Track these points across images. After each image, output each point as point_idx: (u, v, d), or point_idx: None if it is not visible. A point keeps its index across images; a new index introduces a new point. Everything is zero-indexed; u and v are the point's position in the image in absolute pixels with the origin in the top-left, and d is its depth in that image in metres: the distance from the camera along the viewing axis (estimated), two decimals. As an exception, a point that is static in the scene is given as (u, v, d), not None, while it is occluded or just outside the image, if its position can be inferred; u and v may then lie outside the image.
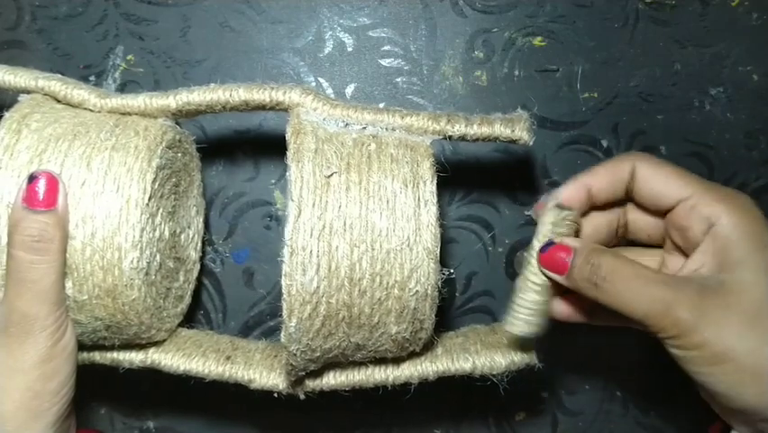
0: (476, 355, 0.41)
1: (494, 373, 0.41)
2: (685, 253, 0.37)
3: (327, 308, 0.34)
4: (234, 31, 0.51)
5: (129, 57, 0.51)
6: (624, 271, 0.33)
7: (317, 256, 0.34)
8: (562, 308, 0.39)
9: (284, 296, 0.34)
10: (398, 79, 0.51)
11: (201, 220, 0.47)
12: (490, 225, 0.52)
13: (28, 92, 0.39)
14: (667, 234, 0.38)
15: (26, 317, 0.34)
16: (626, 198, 0.38)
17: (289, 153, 0.35)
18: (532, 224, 0.39)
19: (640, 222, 0.39)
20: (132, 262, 0.36)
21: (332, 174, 0.35)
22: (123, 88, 0.50)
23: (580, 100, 0.51)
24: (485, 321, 0.52)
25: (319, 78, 0.51)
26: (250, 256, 0.51)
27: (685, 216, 0.35)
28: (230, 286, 0.51)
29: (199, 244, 0.47)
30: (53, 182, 0.35)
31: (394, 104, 0.51)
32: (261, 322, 0.52)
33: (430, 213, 0.35)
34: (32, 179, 0.34)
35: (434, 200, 0.35)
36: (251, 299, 0.51)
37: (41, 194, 0.34)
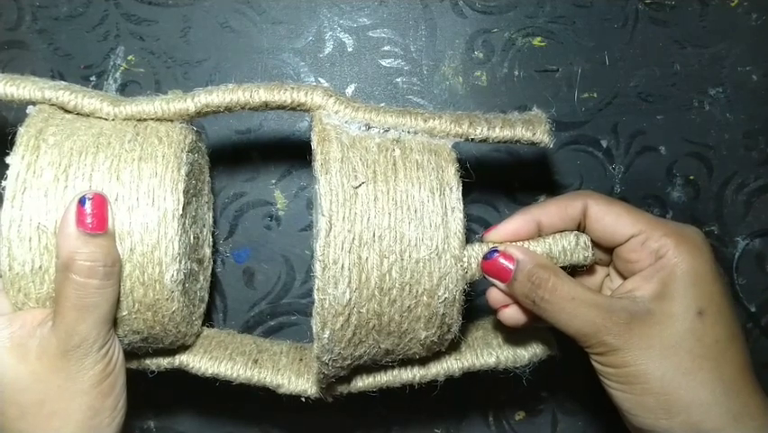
0: (499, 349, 0.41)
1: (517, 366, 0.41)
2: (625, 278, 0.38)
3: (358, 318, 0.35)
4: (235, 31, 0.51)
5: (130, 57, 0.51)
6: (561, 292, 0.35)
7: (348, 269, 0.34)
8: (510, 316, 0.38)
9: (317, 309, 0.34)
10: (398, 80, 0.51)
11: (211, 215, 0.47)
12: (490, 224, 0.51)
13: (33, 103, 0.37)
14: (613, 264, 0.39)
15: (87, 339, 0.33)
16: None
17: (317, 164, 0.35)
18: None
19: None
20: (173, 275, 0.35)
21: (360, 185, 0.34)
22: (123, 89, 0.50)
23: (580, 100, 0.51)
24: (485, 321, 0.52)
25: (319, 79, 0.51)
26: (250, 256, 0.51)
27: (634, 250, 0.36)
28: (230, 286, 0.52)
29: (211, 240, 0.47)
30: (104, 203, 0.34)
31: (394, 104, 0.51)
32: (262, 322, 0.52)
33: (457, 220, 0.35)
34: (83, 201, 0.33)
35: (461, 207, 0.36)
36: (251, 299, 0.52)
37: (95, 216, 0.33)
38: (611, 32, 0.51)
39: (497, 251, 0.37)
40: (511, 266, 0.36)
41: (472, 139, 0.38)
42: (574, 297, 0.35)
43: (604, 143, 0.52)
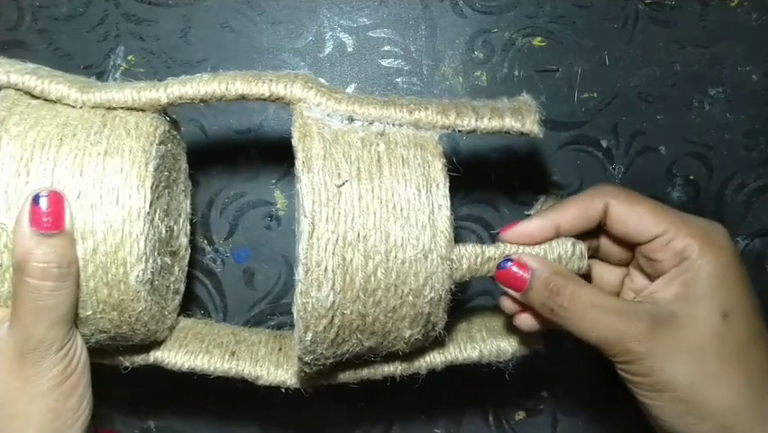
0: (482, 343, 0.41)
1: (501, 360, 0.41)
2: (650, 277, 0.37)
3: (342, 320, 0.34)
4: (235, 31, 0.51)
5: (130, 57, 0.51)
6: (581, 300, 0.34)
7: (332, 271, 0.33)
8: (526, 321, 0.38)
9: (300, 312, 0.33)
10: (398, 80, 0.51)
11: (189, 202, 0.45)
12: (490, 225, 0.52)
13: None
14: (636, 260, 0.38)
15: (43, 342, 0.32)
16: (598, 229, 0.38)
17: (298, 163, 0.34)
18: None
19: (612, 248, 0.39)
20: (138, 275, 0.34)
21: (343, 183, 0.33)
22: (123, 89, 0.50)
23: (580, 100, 0.51)
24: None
25: (319, 79, 0.51)
26: (250, 256, 0.51)
27: (658, 249, 0.35)
28: (230, 286, 0.52)
29: (188, 227, 0.45)
30: (60, 201, 0.32)
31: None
32: (262, 322, 0.52)
33: (444, 218, 0.34)
34: (37, 199, 0.32)
35: (448, 204, 0.34)
36: (251, 299, 0.52)
37: (51, 215, 0.32)
38: (611, 32, 0.51)
39: (510, 260, 0.36)
40: (526, 275, 0.35)
41: (460, 131, 0.37)
42: (594, 303, 0.34)
43: (604, 143, 0.52)
